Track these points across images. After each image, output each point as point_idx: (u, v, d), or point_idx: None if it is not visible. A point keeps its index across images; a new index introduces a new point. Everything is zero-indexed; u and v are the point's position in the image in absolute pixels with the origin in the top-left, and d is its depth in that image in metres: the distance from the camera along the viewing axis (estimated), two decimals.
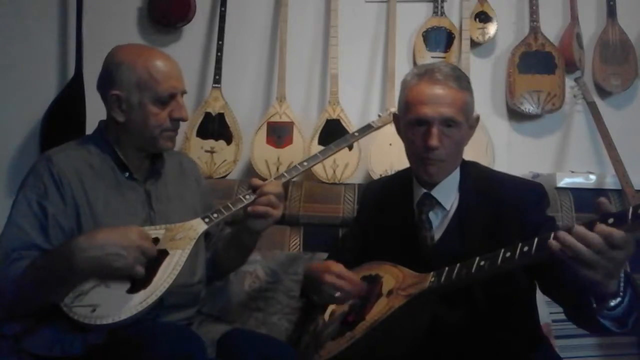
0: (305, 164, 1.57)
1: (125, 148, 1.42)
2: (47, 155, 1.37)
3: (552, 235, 1.00)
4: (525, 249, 1.05)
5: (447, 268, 1.20)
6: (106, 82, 1.40)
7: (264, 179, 2.13)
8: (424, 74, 1.34)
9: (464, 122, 1.32)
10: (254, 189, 1.43)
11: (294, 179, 1.69)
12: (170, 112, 1.39)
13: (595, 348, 1.75)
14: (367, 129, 1.64)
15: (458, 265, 1.18)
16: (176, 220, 1.43)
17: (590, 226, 0.97)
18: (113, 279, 1.22)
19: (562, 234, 0.98)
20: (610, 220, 0.95)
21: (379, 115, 1.81)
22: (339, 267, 1.34)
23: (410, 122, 1.35)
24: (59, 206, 1.31)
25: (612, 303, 1.01)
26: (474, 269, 1.13)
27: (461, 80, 1.34)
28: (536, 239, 1.04)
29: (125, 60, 1.38)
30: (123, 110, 1.38)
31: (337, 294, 1.31)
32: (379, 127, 1.72)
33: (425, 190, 1.38)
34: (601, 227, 0.95)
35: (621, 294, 1.01)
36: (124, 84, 1.37)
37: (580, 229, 0.97)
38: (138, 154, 1.44)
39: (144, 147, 1.43)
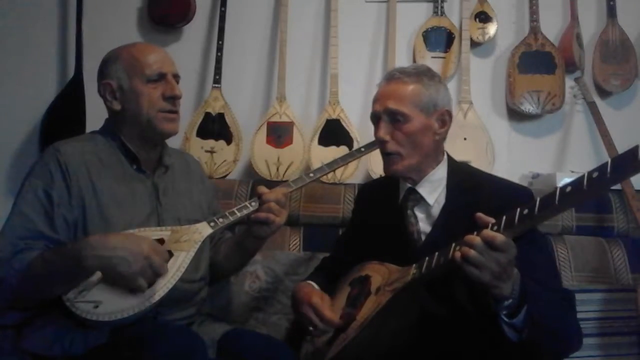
0: (311, 175, 1.59)
1: (130, 140, 1.43)
2: (54, 146, 1.38)
3: (518, 213, 1.05)
4: (495, 228, 1.08)
5: (426, 258, 1.22)
6: (99, 79, 1.45)
7: (264, 179, 2.16)
8: (385, 76, 1.43)
9: (413, 113, 1.34)
10: (259, 196, 1.44)
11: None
12: (162, 91, 1.41)
13: (595, 348, 1.75)
14: (373, 145, 1.65)
15: (436, 253, 1.19)
16: (182, 214, 1.45)
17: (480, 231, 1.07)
18: (117, 283, 1.22)
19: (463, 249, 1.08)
20: (568, 189, 0.97)
21: None
22: (320, 304, 1.35)
23: (371, 121, 1.43)
24: (63, 196, 1.31)
25: (506, 303, 1.10)
26: (450, 255, 1.15)
27: (418, 75, 1.37)
28: (504, 217, 1.07)
29: (112, 55, 1.45)
30: (117, 98, 1.42)
31: (310, 329, 1.35)
32: None
33: (409, 185, 1.40)
34: (485, 232, 1.06)
35: (515, 296, 1.10)
36: (113, 74, 1.42)
37: (468, 236, 1.08)
38: (144, 145, 1.44)
39: (146, 134, 1.43)
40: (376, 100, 1.40)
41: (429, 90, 1.37)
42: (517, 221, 1.04)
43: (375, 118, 1.40)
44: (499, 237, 1.04)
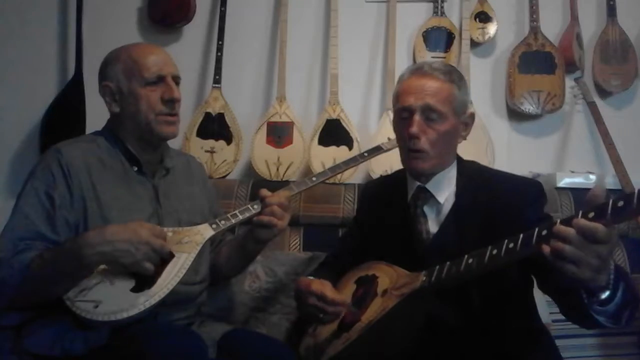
0: (314, 179, 1.59)
1: (131, 142, 1.43)
2: (56, 147, 1.38)
3: (536, 232, 0.99)
4: (511, 245, 1.05)
5: (437, 267, 1.21)
6: (99, 80, 1.45)
7: (264, 179, 2.16)
8: (415, 68, 1.37)
9: (448, 114, 1.31)
10: (262, 199, 1.44)
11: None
12: (161, 94, 1.40)
13: (595, 348, 1.75)
14: (376, 151, 1.65)
15: (448, 263, 1.18)
16: (183, 217, 1.45)
17: (568, 222, 0.95)
18: (121, 275, 1.22)
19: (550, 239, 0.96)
20: (591, 215, 0.93)
21: (389, 139, 1.84)
22: (322, 288, 1.33)
23: (397, 113, 1.37)
24: (65, 198, 1.31)
25: (603, 296, 1.00)
26: (462, 267, 1.14)
27: (451, 74, 1.34)
28: (521, 235, 1.04)
29: (112, 56, 1.45)
30: (116, 100, 1.42)
31: (321, 316, 1.33)
32: (388, 150, 1.74)
33: (419, 183, 1.38)
34: (582, 222, 0.93)
35: (611, 286, 0.99)
36: (112, 75, 1.42)
37: (560, 227, 0.95)
38: (144, 147, 1.44)
39: (145, 137, 1.43)
40: (409, 93, 1.32)
41: (461, 91, 1.35)
42: (609, 213, 0.92)
43: (407, 112, 1.32)
44: (600, 228, 0.91)
